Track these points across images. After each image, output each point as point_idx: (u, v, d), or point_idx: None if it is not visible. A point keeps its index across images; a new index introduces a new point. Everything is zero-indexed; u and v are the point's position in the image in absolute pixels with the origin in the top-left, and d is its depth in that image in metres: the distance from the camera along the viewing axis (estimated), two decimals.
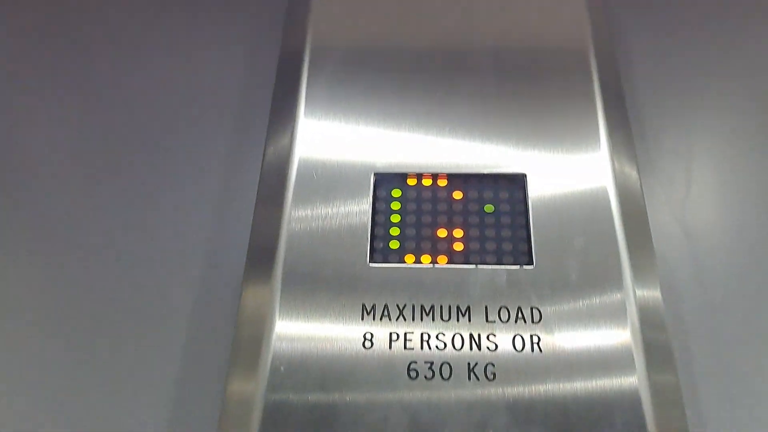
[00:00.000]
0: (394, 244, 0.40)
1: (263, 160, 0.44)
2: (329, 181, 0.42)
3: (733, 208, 0.48)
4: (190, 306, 0.43)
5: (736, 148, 0.50)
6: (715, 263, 0.45)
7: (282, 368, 0.36)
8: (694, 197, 0.48)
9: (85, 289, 0.44)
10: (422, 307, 0.38)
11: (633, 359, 0.36)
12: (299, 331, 0.37)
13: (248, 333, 0.38)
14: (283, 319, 0.37)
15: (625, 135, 0.45)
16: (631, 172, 0.43)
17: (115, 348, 0.42)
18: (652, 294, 0.39)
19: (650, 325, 0.38)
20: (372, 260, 0.39)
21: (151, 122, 0.52)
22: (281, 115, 0.46)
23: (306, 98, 0.45)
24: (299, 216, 0.41)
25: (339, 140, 0.44)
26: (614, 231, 0.40)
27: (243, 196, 0.47)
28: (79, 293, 0.44)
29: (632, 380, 0.35)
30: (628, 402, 0.35)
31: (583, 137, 0.43)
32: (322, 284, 0.38)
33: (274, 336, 0.37)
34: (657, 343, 0.37)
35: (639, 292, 0.38)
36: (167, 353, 0.42)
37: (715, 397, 0.40)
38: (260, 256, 0.40)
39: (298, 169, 0.42)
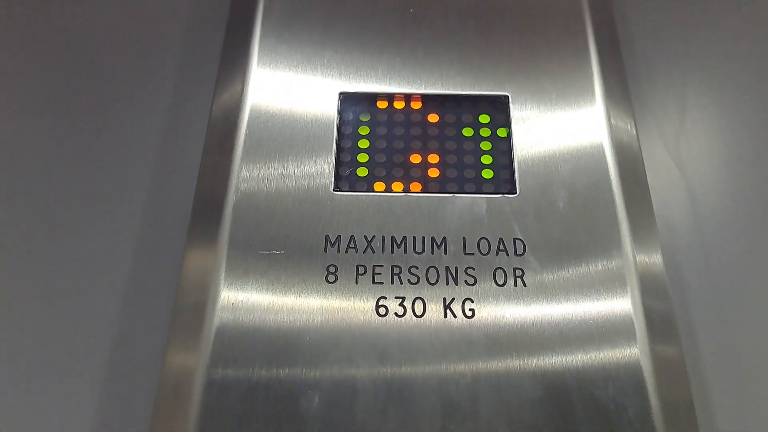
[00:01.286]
0: (362, 171, 0.36)
1: (214, 98, 0.39)
2: (289, 112, 0.37)
3: (730, 141, 0.44)
4: (127, 268, 0.39)
5: (731, 76, 0.46)
6: (712, 203, 0.41)
7: (232, 304, 0.32)
8: (689, 129, 0.44)
9: (16, 246, 0.40)
10: (393, 238, 0.34)
11: (627, 287, 0.32)
12: (253, 264, 0.33)
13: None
14: (233, 249, 0.33)
15: (617, 63, 0.41)
16: (622, 97, 0.39)
17: (48, 314, 0.38)
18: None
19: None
20: (337, 188, 0.35)
21: (90, 64, 0.47)
22: (234, 45, 0.41)
23: (263, 16, 0.40)
24: (252, 162, 0.36)
25: (300, 60, 0.39)
26: (604, 157, 0.36)
27: (189, 145, 0.42)
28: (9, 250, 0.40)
29: (626, 308, 0.32)
30: (623, 336, 0.31)
31: (572, 57, 0.39)
32: (281, 214, 0.34)
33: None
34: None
35: (634, 224, 0.34)
36: (102, 322, 0.38)
37: (718, 364, 0.37)
38: (206, 209, 0.36)
39: (250, 114, 0.37)
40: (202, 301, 0.32)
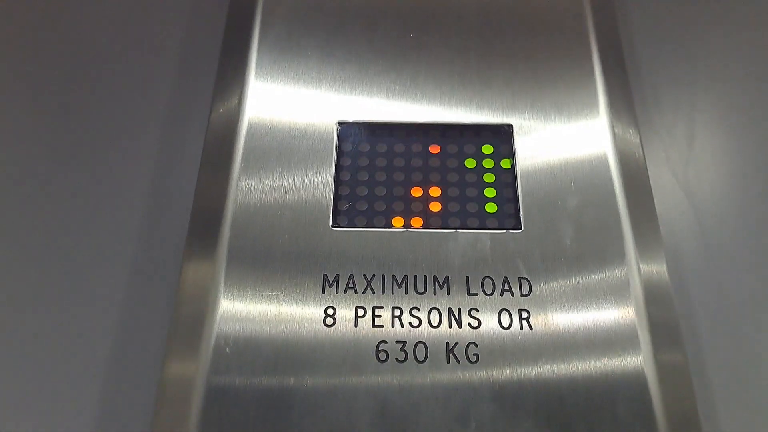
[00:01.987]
0: (362, 206, 0.35)
1: (209, 120, 0.38)
2: (286, 137, 0.36)
3: (738, 165, 0.43)
4: (125, 281, 0.38)
5: (741, 99, 0.45)
6: (720, 227, 0.40)
7: (227, 349, 0.31)
8: (697, 154, 0.43)
9: (13, 252, 0.39)
10: (393, 277, 0.32)
11: (638, 337, 0.31)
12: (247, 306, 0.32)
13: (189, 311, 0.32)
14: (229, 292, 0.32)
15: (623, 87, 0.40)
16: (629, 126, 0.38)
17: (47, 325, 0.37)
18: (657, 268, 0.34)
19: (656, 302, 0.32)
20: (335, 224, 0.34)
21: (86, 74, 0.46)
22: (231, 58, 0.40)
23: (258, 45, 0.39)
24: (249, 180, 0.35)
25: (297, 89, 0.38)
26: (613, 189, 0.35)
27: (186, 157, 0.41)
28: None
29: (637, 361, 0.30)
30: (633, 386, 0.30)
31: (578, 86, 0.38)
32: (276, 252, 0.33)
33: (218, 313, 0.31)
34: (663, 320, 0.32)
35: (644, 267, 0.33)
36: (99, 332, 0.37)
37: (723, 374, 0.36)
38: (204, 222, 0.34)
39: (248, 129, 0.36)
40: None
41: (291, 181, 0.35)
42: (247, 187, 0.35)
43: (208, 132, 0.37)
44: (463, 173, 0.36)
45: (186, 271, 0.33)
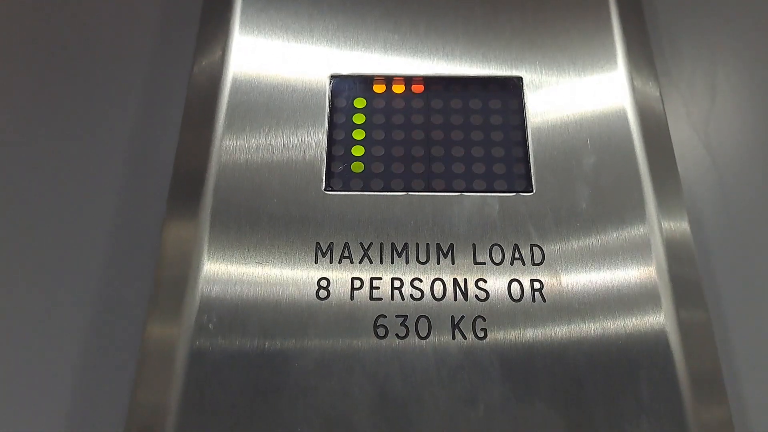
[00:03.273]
0: (357, 167, 0.32)
1: (191, 75, 0.35)
2: (274, 91, 0.33)
3: (761, 120, 0.40)
4: (104, 243, 0.37)
5: (764, 50, 0.41)
6: (742, 185, 0.37)
7: (210, 325, 0.28)
8: (719, 110, 0.39)
9: None
10: (393, 246, 0.30)
11: (661, 307, 0.28)
12: (232, 275, 0.29)
13: (171, 274, 0.30)
14: (212, 259, 0.29)
15: (641, 36, 0.37)
16: (649, 79, 0.35)
17: (27, 292, 0.36)
18: (679, 226, 0.31)
19: (678, 261, 0.30)
20: (328, 187, 0.31)
21: (63, 29, 0.44)
22: (215, 6, 0.36)
23: None
24: (234, 139, 0.32)
25: (286, 39, 0.34)
26: (633, 147, 0.32)
27: (169, 118, 0.39)
28: None
29: (659, 326, 0.28)
30: (654, 354, 0.27)
31: (593, 35, 0.35)
32: (264, 218, 0.30)
33: (201, 279, 0.29)
34: (685, 283, 0.30)
35: (665, 224, 0.30)
36: (81, 298, 0.35)
37: (745, 333, 0.34)
38: (186, 183, 0.32)
39: (232, 85, 0.33)
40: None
41: (279, 140, 0.32)
42: (231, 146, 0.32)
43: (190, 87, 0.35)
44: (469, 131, 0.33)
45: (167, 234, 0.31)
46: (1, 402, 0.33)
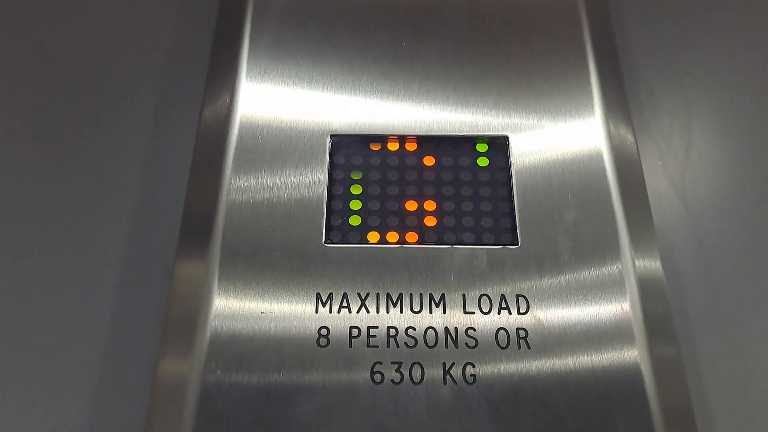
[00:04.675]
0: (355, 220, 0.34)
1: (200, 121, 0.37)
2: (277, 145, 0.35)
3: (736, 172, 0.42)
4: (116, 283, 0.38)
5: (738, 104, 0.44)
6: (716, 234, 0.40)
7: (219, 371, 0.30)
8: (694, 162, 0.42)
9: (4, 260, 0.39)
10: (388, 295, 0.32)
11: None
12: (241, 312, 0.31)
13: (182, 311, 0.32)
14: (222, 296, 0.31)
15: (619, 93, 0.39)
16: (627, 135, 0.38)
17: (39, 328, 0.37)
18: (652, 266, 0.33)
19: (650, 297, 0.32)
20: (328, 239, 0.33)
21: (75, 74, 0.45)
22: (221, 66, 0.39)
23: (249, 47, 0.38)
24: (241, 186, 0.34)
25: (288, 97, 0.37)
26: (611, 203, 0.34)
27: (177, 161, 0.41)
28: None
29: (633, 360, 0.30)
30: (629, 390, 0.30)
31: (574, 94, 0.37)
32: (268, 269, 0.32)
33: (212, 312, 0.31)
34: (657, 319, 0.32)
35: (639, 267, 0.33)
36: (92, 333, 0.37)
37: (716, 369, 0.36)
38: (195, 230, 0.34)
39: (239, 131, 0.35)
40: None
41: (283, 192, 0.34)
42: (239, 187, 0.34)
43: (199, 131, 0.37)
44: (459, 187, 0.35)
45: (178, 272, 0.33)
46: None
